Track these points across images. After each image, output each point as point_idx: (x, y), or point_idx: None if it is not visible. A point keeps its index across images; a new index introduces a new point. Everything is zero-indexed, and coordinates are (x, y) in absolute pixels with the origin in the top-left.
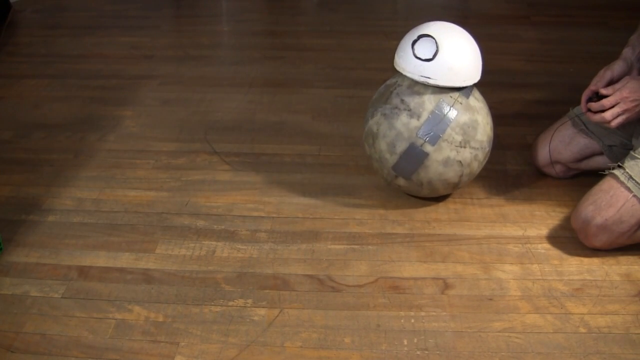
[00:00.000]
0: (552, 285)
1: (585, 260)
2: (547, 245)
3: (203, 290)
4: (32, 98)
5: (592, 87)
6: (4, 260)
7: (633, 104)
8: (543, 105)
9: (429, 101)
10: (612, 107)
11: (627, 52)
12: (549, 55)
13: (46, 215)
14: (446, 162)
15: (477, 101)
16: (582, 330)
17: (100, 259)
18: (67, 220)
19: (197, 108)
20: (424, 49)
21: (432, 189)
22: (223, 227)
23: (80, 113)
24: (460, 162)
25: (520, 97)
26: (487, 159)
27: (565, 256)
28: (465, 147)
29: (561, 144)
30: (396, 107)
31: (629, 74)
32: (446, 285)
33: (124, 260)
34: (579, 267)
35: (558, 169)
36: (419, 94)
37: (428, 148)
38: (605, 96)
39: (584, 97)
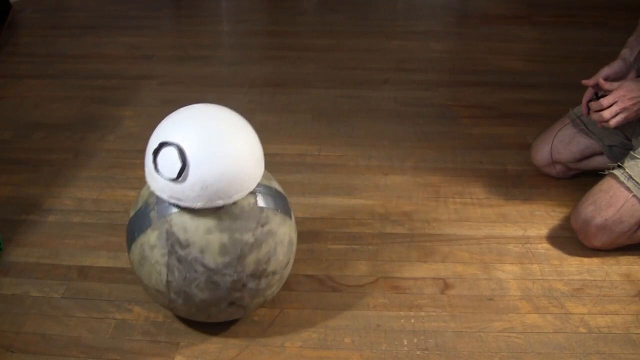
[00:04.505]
0: (552, 285)
1: (585, 260)
2: (547, 245)
3: None
4: (32, 98)
5: (590, 81)
6: (4, 260)
7: (631, 102)
8: (543, 105)
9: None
10: (611, 105)
11: (625, 52)
12: (549, 55)
13: (46, 215)
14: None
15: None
16: (582, 330)
17: (100, 259)
18: (67, 220)
19: None
20: (167, 163)
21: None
22: None
23: (80, 113)
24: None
25: (520, 97)
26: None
27: (565, 256)
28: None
29: (561, 144)
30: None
31: (626, 74)
32: (446, 285)
33: (124, 260)
34: (579, 267)
35: (558, 169)
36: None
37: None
38: (604, 95)
39: (584, 99)
